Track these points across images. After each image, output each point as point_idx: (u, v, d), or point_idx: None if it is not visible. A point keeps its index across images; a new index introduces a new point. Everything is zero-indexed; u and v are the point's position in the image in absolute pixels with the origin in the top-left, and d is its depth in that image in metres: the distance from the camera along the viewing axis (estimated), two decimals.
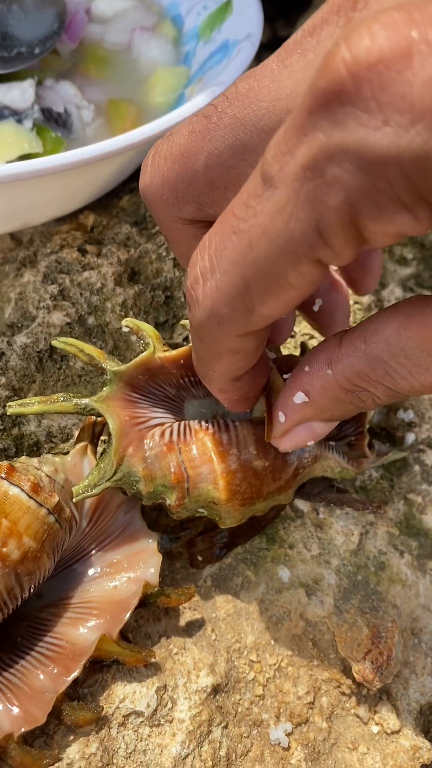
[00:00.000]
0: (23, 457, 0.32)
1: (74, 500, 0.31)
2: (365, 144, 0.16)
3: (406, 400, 0.39)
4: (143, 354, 0.32)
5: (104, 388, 0.32)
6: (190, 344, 0.33)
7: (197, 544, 0.36)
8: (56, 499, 0.31)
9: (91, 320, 0.36)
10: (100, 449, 0.35)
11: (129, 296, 0.36)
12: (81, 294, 0.36)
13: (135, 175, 0.41)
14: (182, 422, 0.33)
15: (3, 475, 0.30)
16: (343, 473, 0.36)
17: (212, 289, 0.22)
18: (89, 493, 0.31)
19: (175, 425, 0.32)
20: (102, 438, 0.35)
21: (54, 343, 0.31)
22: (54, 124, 0.40)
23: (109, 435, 0.31)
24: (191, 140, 0.24)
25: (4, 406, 0.35)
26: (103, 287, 0.36)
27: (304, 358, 0.27)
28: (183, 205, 0.26)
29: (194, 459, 0.31)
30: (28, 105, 0.38)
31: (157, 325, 0.37)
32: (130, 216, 0.39)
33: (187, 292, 0.24)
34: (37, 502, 0.30)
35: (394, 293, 0.41)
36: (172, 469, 0.31)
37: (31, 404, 0.32)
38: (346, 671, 0.34)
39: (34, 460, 0.32)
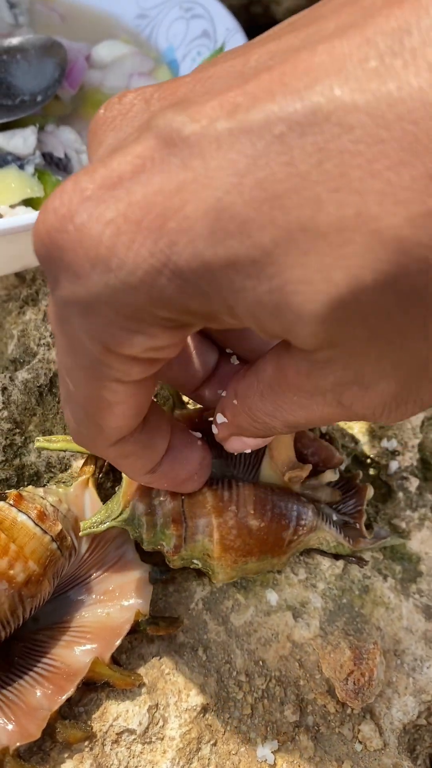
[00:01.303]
0: (30, 487, 0.34)
1: (81, 534, 0.33)
2: (75, 295, 0.19)
3: (386, 428, 0.41)
4: (163, 408, 0.35)
5: None
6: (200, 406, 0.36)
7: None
8: (59, 527, 0.33)
9: None
10: (105, 479, 0.38)
11: None
12: None
13: None
14: None
15: (12, 503, 0.32)
16: (339, 548, 0.37)
17: (69, 419, 0.25)
18: (95, 530, 0.33)
19: None
20: (102, 473, 0.37)
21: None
22: (55, 168, 0.42)
23: (121, 478, 0.33)
24: None
25: (7, 438, 0.37)
26: None
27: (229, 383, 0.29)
28: None
29: (194, 511, 0.33)
30: (30, 151, 0.41)
31: None
32: None
33: None
34: (42, 529, 0.32)
35: None
36: (173, 518, 0.33)
37: (56, 441, 0.34)
38: (331, 691, 0.36)
39: (40, 490, 0.34)
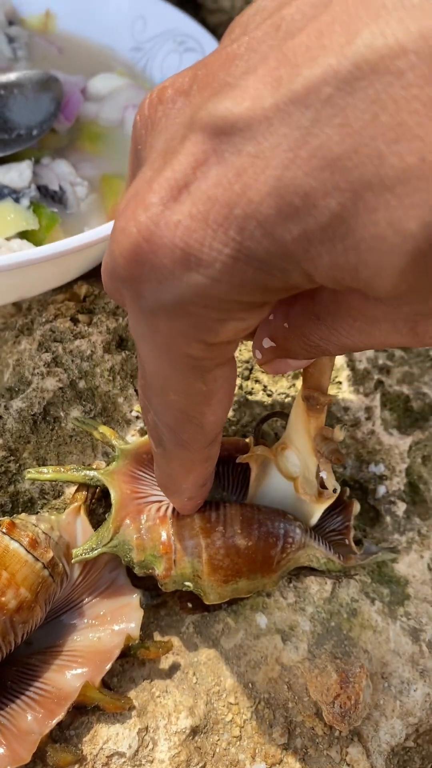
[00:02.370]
0: (23, 514, 0.35)
1: (73, 561, 0.34)
2: (161, 302, 0.20)
3: (374, 453, 0.42)
4: (147, 437, 0.36)
5: (112, 463, 0.35)
6: None
7: (186, 593, 0.38)
8: (51, 554, 0.34)
9: (81, 384, 0.39)
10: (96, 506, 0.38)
11: (116, 362, 0.39)
12: (72, 361, 0.39)
13: None
14: None
15: (4, 531, 0.33)
16: (329, 565, 0.38)
17: (166, 433, 0.26)
18: (86, 556, 0.34)
19: (171, 503, 0.35)
20: (93, 499, 0.38)
21: (72, 422, 0.35)
22: (50, 201, 0.43)
23: (111, 505, 0.34)
24: None
25: (1, 465, 0.38)
26: (92, 354, 0.39)
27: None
28: None
29: (182, 533, 0.34)
30: (26, 184, 0.42)
31: None
32: None
33: (148, 428, 0.27)
34: (33, 556, 0.33)
35: (366, 353, 0.43)
36: (161, 541, 0.34)
37: (46, 472, 0.35)
38: (319, 714, 0.37)
39: (33, 518, 0.35)
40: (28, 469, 0.35)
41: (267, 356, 0.28)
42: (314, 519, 0.36)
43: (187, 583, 0.35)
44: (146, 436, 0.36)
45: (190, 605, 0.38)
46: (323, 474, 0.33)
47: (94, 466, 0.38)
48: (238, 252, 0.18)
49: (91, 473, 0.36)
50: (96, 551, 0.34)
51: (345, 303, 0.22)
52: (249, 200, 0.18)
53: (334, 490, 0.34)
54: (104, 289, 0.29)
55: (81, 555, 0.34)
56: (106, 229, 0.35)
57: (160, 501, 0.36)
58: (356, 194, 0.17)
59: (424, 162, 0.16)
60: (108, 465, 0.36)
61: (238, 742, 0.36)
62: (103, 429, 0.36)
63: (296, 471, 0.35)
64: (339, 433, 0.32)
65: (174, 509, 0.35)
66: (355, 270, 0.18)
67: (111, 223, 0.36)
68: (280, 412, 0.37)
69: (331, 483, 0.33)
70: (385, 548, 0.40)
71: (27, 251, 0.33)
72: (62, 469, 0.36)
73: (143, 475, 0.36)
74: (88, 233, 0.35)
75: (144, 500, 0.36)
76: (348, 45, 0.16)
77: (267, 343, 0.28)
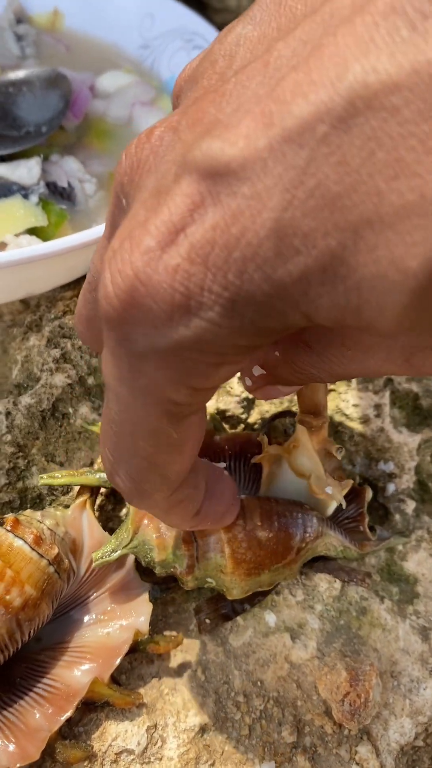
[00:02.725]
0: (28, 510, 0.35)
1: (94, 565, 0.34)
2: (153, 347, 0.20)
3: (384, 450, 0.42)
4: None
5: None
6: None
7: (203, 609, 0.38)
8: (56, 551, 0.33)
9: (90, 380, 0.39)
10: (108, 505, 0.38)
11: None
12: (81, 357, 0.39)
13: None
14: None
15: (9, 528, 0.33)
16: (346, 552, 0.38)
17: (125, 481, 0.25)
18: (107, 559, 0.34)
19: None
20: (101, 494, 0.38)
21: (82, 424, 0.34)
22: (59, 197, 0.43)
23: (121, 500, 0.34)
24: (84, 308, 0.27)
25: (10, 461, 0.38)
26: None
27: None
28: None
29: (203, 529, 0.34)
30: (35, 181, 0.42)
31: None
32: None
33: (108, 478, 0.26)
34: (38, 553, 0.33)
35: None
36: (183, 537, 0.34)
37: (59, 477, 0.35)
38: (329, 712, 0.36)
39: (38, 514, 0.34)
40: (41, 475, 0.35)
41: (257, 383, 0.28)
42: (328, 512, 0.36)
43: (209, 580, 0.35)
44: None
45: (208, 621, 0.38)
46: (329, 489, 0.33)
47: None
48: (238, 295, 0.18)
49: (104, 475, 0.35)
50: (117, 553, 0.34)
51: (338, 333, 0.22)
52: (247, 243, 0.17)
53: (341, 506, 0.34)
54: (75, 330, 0.29)
55: (101, 558, 0.34)
56: (92, 233, 0.35)
57: None
58: (356, 233, 0.16)
59: (424, 198, 0.16)
60: None
61: (246, 741, 0.36)
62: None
63: (308, 470, 0.35)
64: (338, 454, 0.32)
65: None
66: (356, 310, 0.18)
67: (96, 229, 0.35)
68: (289, 411, 0.37)
69: (339, 497, 0.34)
70: (396, 534, 0.40)
71: (35, 246, 0.33)
72: (75, 473, 0.36)
73: None
74: (96, 229, 0.35)
75: None
76: (339, 81, 0.16)
77: (257, 370, 0.27)
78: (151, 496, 0.25)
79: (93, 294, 0.26)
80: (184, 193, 0.18)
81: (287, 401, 0.43)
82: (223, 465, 0.34)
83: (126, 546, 0.34)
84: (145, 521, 0.34)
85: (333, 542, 0.38)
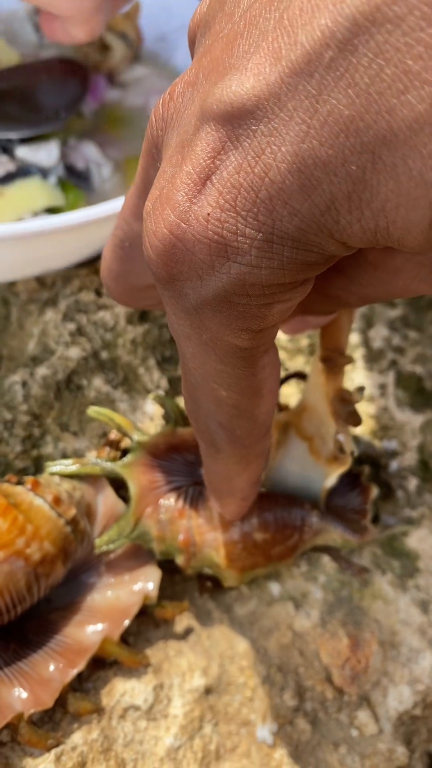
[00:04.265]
0: (46, 474, 0.36)
1: (96, 551, 0.35)
2: (204, 298, 0.20)
3: (387, 428, 0.43)
4: (165, 428, 0.37)
5: (128, 455, 0.36)
6: None
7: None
8: (73, 512, 0.35)
9: (104, 354, 0.40)
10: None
11: (138, 334, 0.41)
12: (96, 331, 0.40)
13: None
14: (197, 487, 0.37)
15: (29, 487, 0.34)
16: (346, 544, 0.39)
17: (218, 431, 0.26)
18: (109, 547, 0.35)
19: (190, 490, 0.36)
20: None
21: (89, 411, 0.36)
22: (76, 179, 0.45)
23: (131, 494, 0.35)
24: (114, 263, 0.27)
25: (26, 430, 0.39)
26: (115, 325, 0.40)
27: None
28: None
29: (201, 526, 0.36)
30: (54, 163, 0.43)
31: (164, 359, 0.41)
32: None
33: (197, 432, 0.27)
34: (57, 512, 0.34)
35: (380, 333, 0.44)
36: (181, 535, 0.35)
37: (69, 466, 0.36)
38: (329, 679, 0.38)
39: (56, 478, 0.36)
40: (49, 463, 0.36)
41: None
42: (329, 482, 0.37)
43: (206, 569, 0.36)
44: (162, 428, 0.37)
45: (209, 584, 0.39)
46: (341, 437, 0.34)
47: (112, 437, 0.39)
48: (272, 235, 0.18)
49: (109, 466, 0.36)
50: (117, 542, 0.35)
51: (369, 254, 0.22)
52: (271, 181, 0.18)
53: (352, 453, 0.34)
54: (104, 286, 0.29)
55: (103, 546, 0.35)
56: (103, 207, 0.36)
57: (179, 488, 0.37)
58: (374, 154, 0.16)
59: None
60: (124, 457, 0.37)
61: (250, 703, 0.37)
62: (119, 420, 0.37)
63: (312, 431, 0.36)
64: (358, 395, 0.33)
65: (193, 497, 0.36)
66: (386, 231, 0.18)
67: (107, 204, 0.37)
68: (299, 372, 0.38)
69: (349, 446, 0.34)
70: (401, 521, 0.41)
71: (46, 218, 0.35)
72: (82, 463, 0.37)
73: (161, 463, 0.37)
74: (112, 203, 0.36)
75: (162, 488, 0.37)
76: (340, 3, 0.16)
77: None
78: (246, 440, 0.26)
79: (125, 250, 0.26)
80: (205, 142, 0.19)
81: (301, 362, 0.44)
82: None
83: (127, 536, 0.35)
84: (148, 511, 0.36)
85: (333, 536, 0.38)
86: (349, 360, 0.32)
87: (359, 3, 0.15)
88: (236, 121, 0.18)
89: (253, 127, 0.17)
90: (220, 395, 0.24)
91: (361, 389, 0.33)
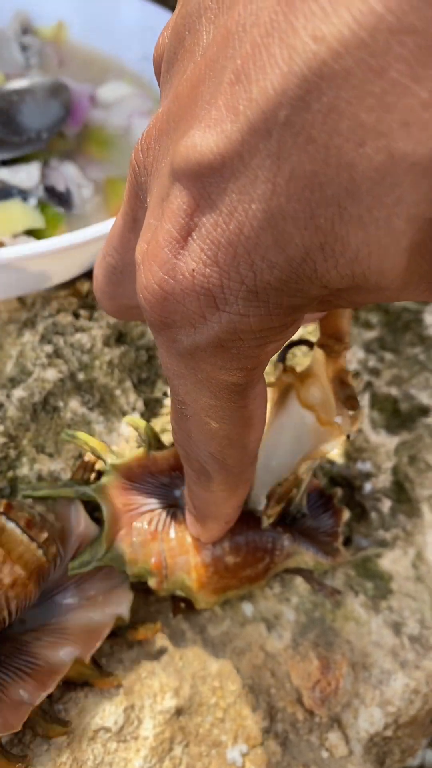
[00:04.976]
0: (20, 496, 0.37)
1: (69, 573, 0.35)
2: (198, 343, 0.21)
3: (362, 450, 0.43)
4: (138, 451, 0.37)
5: (102, 478, 0.37)
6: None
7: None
8: (46, 535, 0.35)
9: (81, 376, 0.41)
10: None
11: (115, 356, 0.41)
12: (73, 353, 0.41)
13: None
14: (171, 509, 0.37)
15: (1, 510, 0.35)
16: (317, 567, 0.39)
17: (209, 462, 0.27)
18: (82, 570, 0.35)
19: (163, 513, 0.37)
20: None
21: (63, 435, 0.36)
22: (56, 201, 0.45)
23: (104, 518, 0.36)
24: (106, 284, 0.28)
25: (2, 451, 0.39)
26: (92, 347, 0.41)
27: None
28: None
29: (173, 549, 0.36)
30: (34, 185, 0.44)
31: (140, 381, 0.41)
32: None
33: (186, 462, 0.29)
34: (29, 536, 0.34)
35: (356, 355, 0.45)
36: (153, 558, 0.36)
37: (40, 489, 0.37)
38: (300, 700, 0.38)
39: (29, 500, 0.36)
40: (22, 487, 0.37)
41: None
42: (331, 447, 0.35)
43: (178, 592, 0.37)
44: (136, 451, 0.37)
45: (183, 605, 0.39)
46: (338, 419, 0.33)
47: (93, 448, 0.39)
48: (255, 286, 0.19)
49: (82, 489, 0.37)
50: (91, 565, 0.35)
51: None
52: (246, 237, 0.18)
53: (348, 436, 0.34)
54: (103, 310, 0.30)
55: (77, 568, 0.35)
56: (107, 226, 0.37)
57: (153, 510, 0.37)
58: (340, 207, 0.17)
59: (393, 157, 0.15)
60: (99, 480, 0.37)
61: (221, 724, 0.37)
62: (93, 443, 0.37)
63: (317, 402, 0.35)
64: (353, 381, 0.32)
65: (165, 520, 0.36)
66: (363, 276, 0.18)
67: (112, 220, 0.37)
68: (306, 339, 0.36)
69: (347, 428, 0.33)
70: (374, 544, 0.42)
71: (30, 244, 0.35)
72: (55, 486, 0.37)
73: (136, 486, 0.38)
74: (91, 229, 0.36)
75: (136, 511, 0.37)
76: (290, 57, 0.16)
77: None
78: (235, 468, 0.27)
79: (116, 276, 0.27)
80: (179, 200, 0.19)
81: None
82: None
83: (100, 559, 0.35)
84: (121, 533, 0.36)
85: (305, 558, 0.38)
86: (347, 347, 0.32)
87: (306, 59, 0.15)
88: (205, 179, 0.18)
89: (222, 185, 0.18)
90: (212, 428, 0.25)
91: (356, 374, 0.33)
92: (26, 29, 0.56)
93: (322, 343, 0.32)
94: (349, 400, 0.32)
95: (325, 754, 0.38)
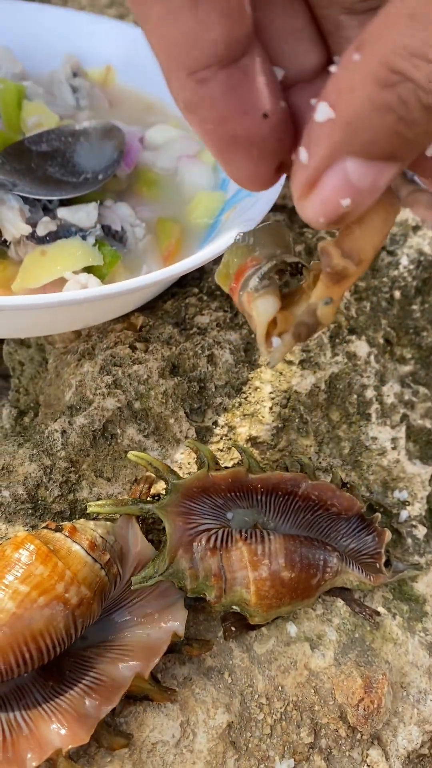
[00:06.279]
0: (81, 519, 0.39)
1: (132, 587, 0.38)
2: None
3: (398, 480, 0.46)
4: (199, 472, 0.40)
5: (165, 497, 0.39)
6: (236, 466, 0.41)
7: (229, 618, 0.42)
8: (108, 556, 0.37)
9: (137, 405, 0.43)
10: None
11: (170, 386, 0.43)
12: (131, 383, 0.43)
13: (177, 282, 0.49)
14: (226, 529, 0.40)
15: (67, 534, 0.37)
16: (361, 586, 0.42)
17: None
18: (145, 584, 0.38)
19: (220, 532, 0.39)
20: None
21: (129, 455, 0.39)
22: (112, 239, 0.48)
23: (166, 537, 0.38)
24: None
25: (63, 475, 0.42)
26: (148, 378, 0.43)
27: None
28: None
29: (232, 565, 0.38)
30: (92, 224, 0.46)
31: (192, 411, 0.44)
32: (173, 318, 0.47)
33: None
34: (93, 558, 0.37)
35: (393, 389, 0.47)
36: (213, 572, 0.38)
37: (106, 505, 0.39)
38: (343, 717, 0.40)
39: (91, 523, 0.38)
40: (90, 503, 0.39)
41: (317, 152, 0.21)
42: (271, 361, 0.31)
43: (234, 607, 0.39)
44: (197, 472, 0.40)
45: (233, 629, 0.41)
46: (276, 340, 0.29)
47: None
48: None
49: (147, 506, 0.39)
50: (153, 579, 0.38)
51: None
52: None
53: (268, 363, 0.33)
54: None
55: (140, 582, 0.38)
56: (162, 273, 0.39)
57: (209, 529, 0.40)
58: None
59: None
60: (161, 499, 0.40)
61: (268, 740, 0.39)
62: (157, 464, 0.39)
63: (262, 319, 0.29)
64: (323, 319, 0.27)
65: (223, 538, 0.39)
66: None
67: (166, 269, 0.40)
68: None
69: (277, 354, 0.29)
70: (410, 566, 0.44)
71: (97, 288, 0.38)
72: (121, 503, 0.39)
73: (194, 506, 0.40)
74: (150, 275, 0.39)
75: (195, 530, 0.39)
76: None
77: (323, 112, 0.20)
78: None
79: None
80: None
81: None
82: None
83: (162, 573, 0.38)
84: (181, 551, 0.38)
85: (350, 577, 0.42)
86: (362, 271, 0.26)
87: None
88: None
89: None
90: None
91: (328, 301, 0.27)
92: (76, 72, 0.59)
93: (324, 248, 0.26)
94: (302, 329, 0.28)
95: None
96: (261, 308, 0.28)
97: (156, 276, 0.39)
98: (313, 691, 0.40)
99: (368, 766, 0.40)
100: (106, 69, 0.60)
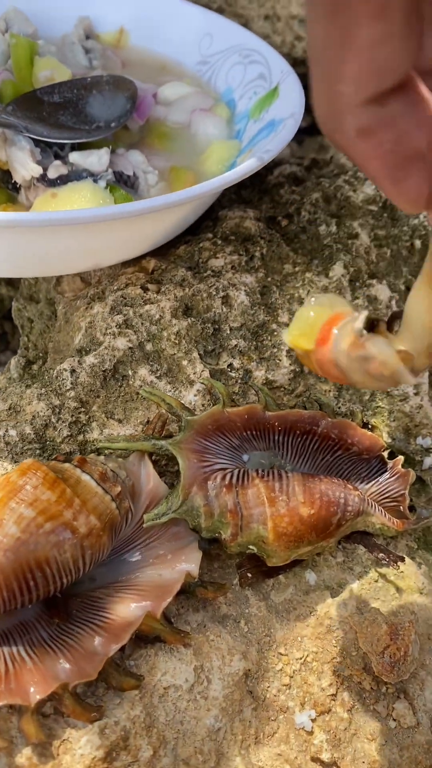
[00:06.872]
0: (92, 455, 0.37)
1: (144, 525, 0.36)
2: None
3: (422, 426, 0.44)
4: (213, 408, 0.38)
5: (179, 433, 0.38)
6: (252, 403, 0.39)
7: (245, 565, 0.40)
8: (119, 488, 0.36)
9: (149, 346, 0.42)
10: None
11: (183, 327, 0.42)
12: (142, 324, 0.42)
13: (189, 230, 0.48)
14: (242, 469, 0.38)
15: (76, 464, 0.35)
16: (384, 530, 0.40)
17: None
18: (157, 521, 0.36)
19: (236, 471, 0.38)
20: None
21: (142, 391, 0.37)
22: (124, 185, 0.47)
23: (179, 473, 0.36)
24: None
25: (72, 415, 0.40)
26: (161, 318, 0.42)
27: None
28: None
29: (249, 501, 0.37)
30: (103, 168, 0.46)
31: (206, 353, 0.42)
32: (186, 262, 0.45)
33: None
34: (103, 488, 0.35)
35: None
36: (229, 508, 0.36)
37: (117, 441, 0.38)
38: (367, 669, 0.38)
39: (101, 457, 0.37)
40: (100, 440, 0.37)
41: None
42: None
43: (251, 547, 0.37)
44: (212, 408, 0.38)
45: (249, 575, 0.39)
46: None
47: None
48: None
49: (160, 443, 0.38)
50: (166, 516, 0.36)
51: None
52: None
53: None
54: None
55: (153, 519, 0.36)
56: (178, 195, 0.38)
57: (224, 469, 0.38)
58: None
59: None
60: (176, 436, 0.38)
61: (287, 690, 0.37)
62: (170, 400, 0.38)
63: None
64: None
65: (239, 477, 0.37)
66: None
67: (181, 192, 0.39)
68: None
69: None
70: None
71: (107, 207, 0.37)
72: (133, 439, 0.38)
73: (209, 444, 0.39)
74: (164, 196, 0.38)
75: (210, 468, 0.38)
76: None
77: None
78: None
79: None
80: None
81: None
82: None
83: (176, 510, 0.36)
84: (195, 488, 0.37)
85: (372, 520, 0.40)
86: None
87: None
88: None
89: None
90: None
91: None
92: (89, 35, 0.58)
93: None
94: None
95: (392, 724, 0.37)
96: (378, 347, 0.27)
97: (173, 197, 0.38)
98: (334, 641, 0.38)
99: (394, 719, 0.37)
100: (119, 31, 0.59)
